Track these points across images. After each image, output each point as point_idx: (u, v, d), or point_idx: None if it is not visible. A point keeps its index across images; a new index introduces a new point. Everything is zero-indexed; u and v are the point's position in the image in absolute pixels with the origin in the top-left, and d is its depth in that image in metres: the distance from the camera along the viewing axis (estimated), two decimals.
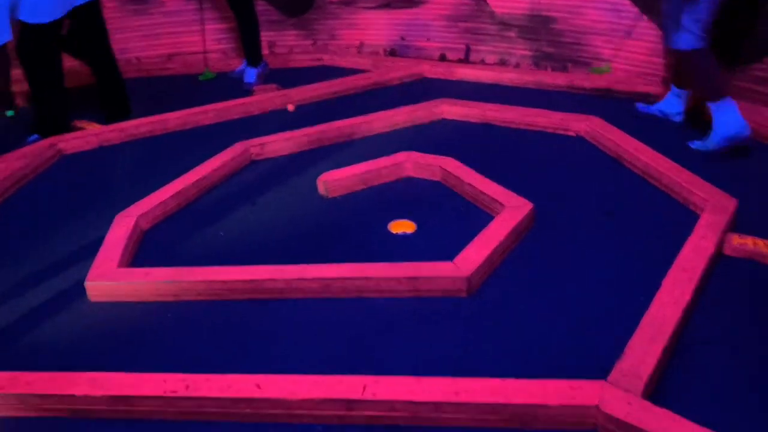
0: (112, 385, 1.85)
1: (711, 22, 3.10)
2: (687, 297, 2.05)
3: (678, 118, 3.50)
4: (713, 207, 2.53)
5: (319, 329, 2.16)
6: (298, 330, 2.16)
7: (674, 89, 3.52)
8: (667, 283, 2.12)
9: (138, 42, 4.80)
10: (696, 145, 3.20)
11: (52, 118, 3.62)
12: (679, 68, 3.38)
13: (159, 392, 1.82)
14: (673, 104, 3.54)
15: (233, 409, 1.80)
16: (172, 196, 2.92)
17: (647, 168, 2.96)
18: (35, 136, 3.60)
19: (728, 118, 3.03)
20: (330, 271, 2.31)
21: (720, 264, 2.34)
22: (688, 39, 3.10)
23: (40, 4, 3.34)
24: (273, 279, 2.30)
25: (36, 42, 3.43)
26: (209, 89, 4.38)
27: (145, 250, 2.63)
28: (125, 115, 3.82)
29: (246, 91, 4.32)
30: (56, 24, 3.44)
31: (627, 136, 3.22)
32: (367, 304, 2.26)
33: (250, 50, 4.55)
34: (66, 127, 3.66)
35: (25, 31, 3.40)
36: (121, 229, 2.63)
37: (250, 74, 4.52)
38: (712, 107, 3.09)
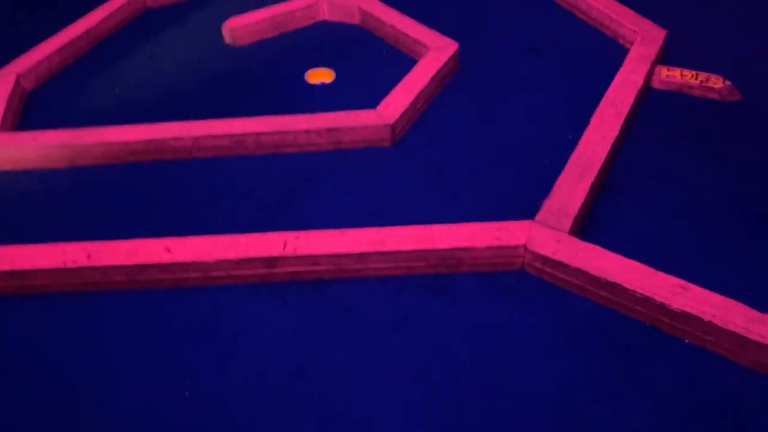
0: (4, 260, 1.67)
1: None
2: (615, 133, 1.99)
3: None
4: (643, 39, 2.43)
5: (233, 189, 2.00)
6: (209, 191, 2.00)
7: None
8: (595, 119, 2.05)
9: None
10: None
11: None
12: None
13: (58, 264, 1.66)
14: None
15: (141, 275, 1.66)
16: (57, 51, 2.57)
17: (576, 1, 2.80)
18: None
19: None
20: (241, 126, 2.12)
21: (648, 97, 2.28)
22: None
23: None
24: (178, 137, 2.09)
25: None
26: None
27: (31, 112, 2.34)
28: None
29: None
30: None
31: None
32: (285, 160, 2.10)
33: None
34: None
35: None
36: (0, 89, 2.31)
37: None
38: None
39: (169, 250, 1.66)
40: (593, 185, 1.85)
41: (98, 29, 2.75)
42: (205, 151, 2.11)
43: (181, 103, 2.37)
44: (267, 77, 2.52)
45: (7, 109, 2.24)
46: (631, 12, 2.60)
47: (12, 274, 1.68)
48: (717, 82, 2.24)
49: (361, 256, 1.65)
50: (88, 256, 1.66)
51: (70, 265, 1.65)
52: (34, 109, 2.36)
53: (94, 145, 2.09)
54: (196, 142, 2.10)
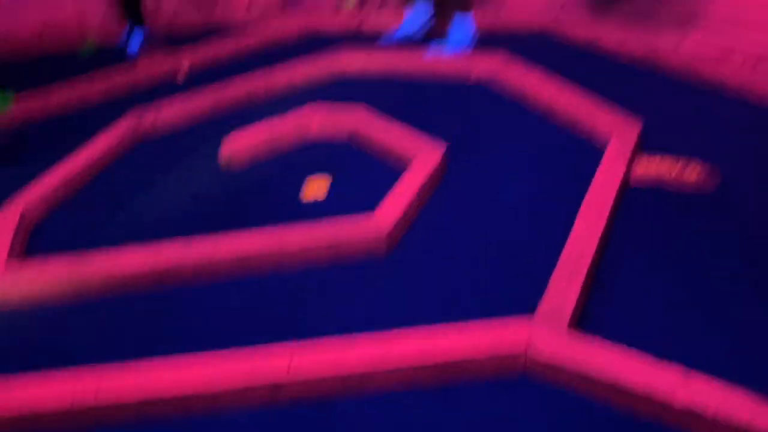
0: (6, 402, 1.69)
1: None
2: (600, 230, 2.08)
3: (421, 35, 3.85)
4: (619, 135, 2.56)
5: (234, 310, 2.05)
6: (210, 315, 2.04)
7: (418, 6, 3.84)
8: (581, 216, 2.14)
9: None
10: (436, 52, 3.58)
11: None
12: None
13: (65, 406, 1.67)
14: (416, 22, 3.85)
15: (148, 410, 1.68)
16: (59, 183, 2.68)
17: (551, 102, 2.97)
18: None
19: (466, 27, 3.63)
20: (239, 245, 2.19)
21: (630, 190, 2.38)
22: None
23: None
24: (179, 263, 2.16)
25: None
26: (93, 64, 4.02)
27: (36, 245, 2.41)
28: None
29: (131, 57, 4.02)
30: None
31: (529, 72, 3.22)
32: (284, 276, 2.16)
33: (132, 13, 4.20)
34: None
35: None
36: (6, 224, 2.39)
37: (135, 42, 4.19)
38: (459, 17, 3.62)
39: (175, 382, 1.68)
40: (585, 282, 1.91)
41: (99, 158, 2.88)
42: (206, 275, 2.17)
43: (180, 229, 2.44)
44: (262, 198, 2.62)
45: (13, 242, 2.31)
46: (604, 110, 2.76)
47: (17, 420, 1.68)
48: (694, 172, 2.35)
49: (362, 375, 1.68)
50: (95, 395, 1.68)
51: (77, 406, 1.66)
52: (39, 242, 2.43)
53: (97, 275, 2.15)
54: (196, 266, 2.16)
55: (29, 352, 1.95)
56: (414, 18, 3.87)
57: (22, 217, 2.46)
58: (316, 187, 2.62)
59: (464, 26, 3.63)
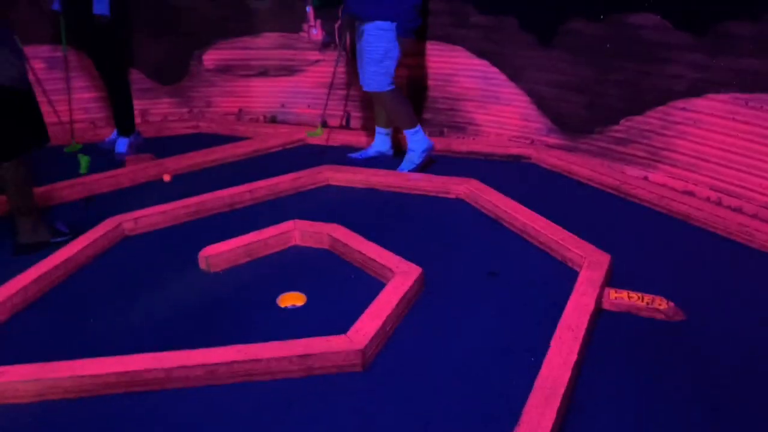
0: None
1: None
2: (574, 356, 2.10)
3: (390, 153, 4.21)
4: (590, 263, 2.65)
5: (204, 422, 1.99)
6: (182, 423, 1.98)
7: (380, 129, 4.19)
8: (555, 343, 2.17)
9: None
10: (403, 168, 3.89)
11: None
12: (381, 110, 4.07)
13: None
14: (384, 143, 4.20)
15: None
16: (32, 282, 2.65)
17: (525, 227, 3.08)
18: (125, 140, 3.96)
19: (420, 138, 3.91)
20: (214, 355, 2.16)
21: (601, 318, 2.43)
22: (390, 81, 3.83)
23: None
24: (151, 369, 2.11)
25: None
26: (77, 162, 4.10)
27: (2, 346, 2.35)
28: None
29: (118, 162, 4.10)
30: None
31: (504, 197, 3.35)
32: (257, 387, 2.12)
33: (121, 119, 4.34)
34: None
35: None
36: None
37: (122, 144, 4.30)
38: (409, 134, 3.90)
39: None
40: (560, 409, 1.91)
41: (77, 258, 2.87)
42: (177, 382, 2.12)
43: (154, 331, 2.42)
44: (240, 302, 2.62)
45: None
46: (576, 237, 2.87)
47: None
48: (662, 304, 2.43)
49: None
50: None
51: None
52: (4, 343, 2.37)
53: (65, 379, 2.09)
54: (168, 373, 2.12)
55: None
56: (382, 140, 4.20)
57: None
58: (293, 298, 2.64)
59: (418, 136, 3.91)
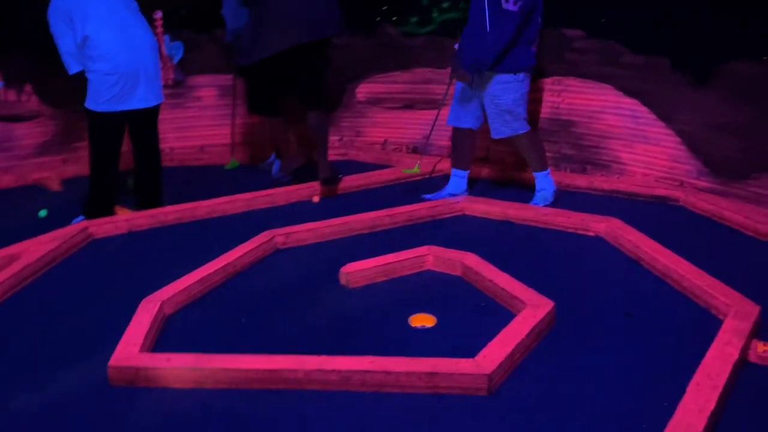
0: None
1: None
2: (712, 405, 2.01)
3: (463, 195, 4.05)
4: (736, 313, 2.52)
5: (336, 423, 2.13)
6: (315, 423, 2.14)
7: (457, 172, 4.08)
8: (692, 389, 2.09)
9: (173, 133, 5.03)
10: (537, 203, 3.88)
11: (103, 202, 3.79)
12: (465, 151, 4.04)
13: None
14: (459, 185, 4.07)
15: None
16: (196, 282, 2.98)
17: (667, 270, 2.97)
18: (81, 217, 3.74)
19: (551, 180, 3.95)
20: (350, 363, 2.31)
21: (744, 371, 2.30)
22: (525, 124, 3.84)
23: (99, 96, 3.59)
24: (292, 369, 2.30)
25: (95, 127, 3.69)
26: (239, 181, 4.52)
27: (168, 336, 2.66)
28: (157, 205, 3.93)
29: (276, 181, 4.47)
30: (116, 114, 3.66)
31: (646, 238, 3.26)
32: (386, 398, 2.24)
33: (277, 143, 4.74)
34: (110, 212, 3.80)
35: (88, 114, 3.68)
36: (145, 314, 2.67)
37: (278, 166, 4.69)
38: (540, 176, 3.93)
39: None
40: None
41: (235, 264, 3.18)
42: (315, 384, 2.29)
43: (296, 335, 2.63)
44: (374, 318, 2.78)
45: (148, 332, 2.56)
46: (723, 285, 2.73)
47: None
48: None
49: None
50: None
51: None
52: (171, 333, 2.69)
53: (218, 370, 2.34)
54: (307, 375, 2.30)
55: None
56: (457, 183, 4.09)
57: (160, 308, 2.74)
58: (424, 319, 2.74)
59: (548, 183, 3.94)
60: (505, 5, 3.54)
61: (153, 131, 3.92)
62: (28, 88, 4.66)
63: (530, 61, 3.80)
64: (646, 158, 4.13)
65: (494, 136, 3.89)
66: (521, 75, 3.75)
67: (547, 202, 3.89)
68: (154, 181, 3.97)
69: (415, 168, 4.39)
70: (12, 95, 4.75)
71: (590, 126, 4.33)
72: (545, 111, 4.48)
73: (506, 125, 3.83)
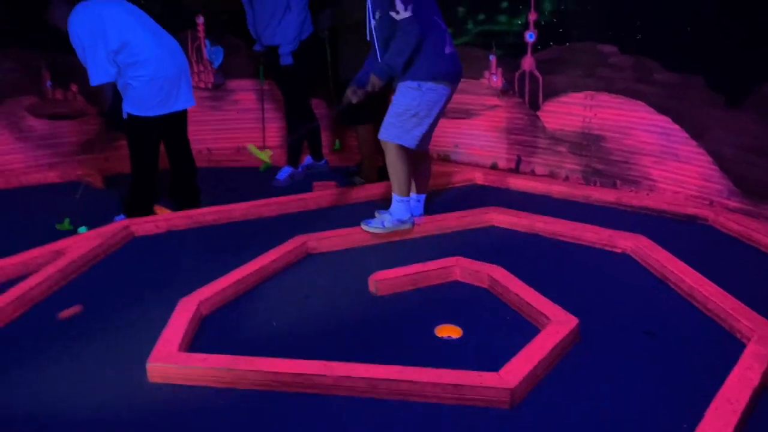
0: None
1: None
2: (730, 429, 2.06)
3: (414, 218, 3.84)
4: (760, 337, 2.55)
5: (362, 428, 2.22)
6: (341, 427, 2.23)
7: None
8: (711, 413, 2.13)
9: (211, 134, 5.19)
10: (368, 222, 3.67)
11: (143, 202, 3.92)
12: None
13: None
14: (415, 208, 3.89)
15: None
16: (231, 284, 3.10)
17: (692, 291, 3.00)
18: (122, 216, 3.89)
19: (400, 209, 3.70)
20: (378, 371, 2.40)
21: (765, 396, 2.33)
22: (404, 137, 3.57)
23: (145, 101, 3.71)
24: (321, 374, 2.40)
25: (139, 131, 3.79)
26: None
27: (204, 335, 2.78)
28: (195, 205, 4.08)
29: (277, 187, 4.63)
30: (160, 118, 3.79)
31: (673, 257, 3.28)
32: (411, 407, 2.32)
33: (292, 149, 4.84)
34: (150, 211, 3.95)
35: (132, 120, 3.77)
36: (183, 314, 2.79)
37: (283, 172, 4.79)
38: (393, 198, 3.71)
39: None
40: None
41: (268, 268, 3.30)
42: (342, 390, 2.39)
43: (325, 340, 2.73)
44: (401, 326, 2.86)
45: (185, 332, 2.69)
46: (747, 308, 2.76)
47: None
48: None
49: None
50: None
51: None
52: (207, 333, 2.81)
53: (251, 372, 2.44)
54: (335, 381, 2.39)
55: (184, 427, 2.24)
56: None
57: (197, 309, 2.86)
58: (449, 330, 2.82)
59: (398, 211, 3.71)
60: (397, 17, 3.37)
61: (185, 132, 4.06)
62: (74, 87, 4.83)
63: (437, 69, 3.48)
64: (677, 176, 4.14)
65: (379, 135, 3.65)
66: (427, 84, 3.48)
67: (381, 228, 3.65)
68: (191, 181, 4.11)
69: (264, 155, 4.42)
70: (59, 94, 4.96)
71: (621, 141, 4.35)
72: (576, 125, 4.52)
73: (389, 128, 3.58)
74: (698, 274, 3.09)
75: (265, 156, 4.49)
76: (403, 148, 3.58)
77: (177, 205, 4.08)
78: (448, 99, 3.68)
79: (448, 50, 3.53)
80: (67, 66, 4.74)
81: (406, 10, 3.36)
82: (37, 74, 4.91)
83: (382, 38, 3.54)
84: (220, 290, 3.04)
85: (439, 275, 3.24)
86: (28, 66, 4.86)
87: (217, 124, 5.25)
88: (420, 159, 3.81)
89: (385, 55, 3.52)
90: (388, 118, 3.61)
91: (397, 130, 3.56)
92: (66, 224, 3.89)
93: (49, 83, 4.91)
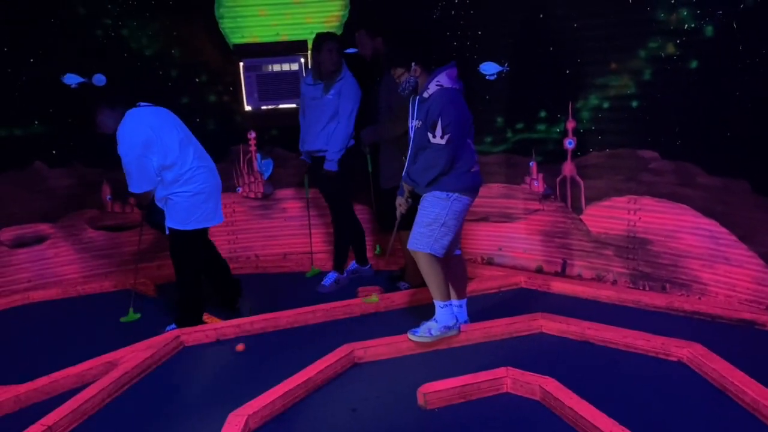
0: None
1: None
2: None
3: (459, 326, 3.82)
4: None
5: None
6: None
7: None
8: None
9: (259, 241, 5.34)
10: (415, 332, 3.68)
11: (193, 311, 4.02)
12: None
13: None
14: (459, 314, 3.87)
15: None
16: (279, 397, 3.09)
17: (756, 404, 2.87)
18: (173, 325, 3.98)
19: (445, 314, 3.72)
20: None
21: None
22: (434, 247, 3.64)
23: (189, 216, 3.87)
24: None
25: (184, 244, 3.92)
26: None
27: None
28: (239, 294, 4.19)
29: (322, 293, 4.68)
30: (202, 231, 3.94)
31: (732, 366, 3.16)
32: None
33: (338, 255, 4.91)
34: (200, 320, 4.03)
35: (175, 234, 3.92)
36: (233, 428, 2.79)
37: (329, 278, 4.85)
38: (436, 304, 3.72)
39: None
40: None
41: (315, 379, 3.29)
42: None
43: None
44: None
45: None
46: None
47: None
48: None
49: None
50: None
51: None
52: None
53: None
54: None
55: None
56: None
57: (246, 423, 2.86)
58: None
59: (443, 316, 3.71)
60: (433, 140, 3.54)
61: (208, 237, 4.18)
62: (132, 200, 5.08)
63: (464, 183, 3.64)
64: (728, 279, 4.06)
65: (408, 246, 3.73)
66: (454, 195, 3.61)
67: (429, 337, 3.66)
68: (229, 275, 4.24)
69: (374, 297, 4.39)
70: (117, 207, 5.22)
71: (667, 245, 4.32)
72: (620, 228, 4.51)
73: (419, 237, 3.66)
74: (761, 386, 2.96)
75: (375, 299, 4.41)
76: (433, 256, 3.65)
77: (223, 302, 4.17)
78: (468, 209, 3.81)
79: (474, 168, 3.73)
80: (125, 182, 5.02)
81: (443, 138, 3.53)
82: (98, 189, 5.20)
83: (416, 145, 3.72)
84: (269, 403, 3.04)
85: (490, 387, 3.18)
86: (88, 182, 5.16)
87: (265, 231, 5.41)
88: (451, 262, 3.88)
89: (413, 166, 3.68)
90: (417, 228, 3.68)
91: (427, 239, 3.64)
92: (131, 315, 3.95)
93: (108, 197, 5.18)
